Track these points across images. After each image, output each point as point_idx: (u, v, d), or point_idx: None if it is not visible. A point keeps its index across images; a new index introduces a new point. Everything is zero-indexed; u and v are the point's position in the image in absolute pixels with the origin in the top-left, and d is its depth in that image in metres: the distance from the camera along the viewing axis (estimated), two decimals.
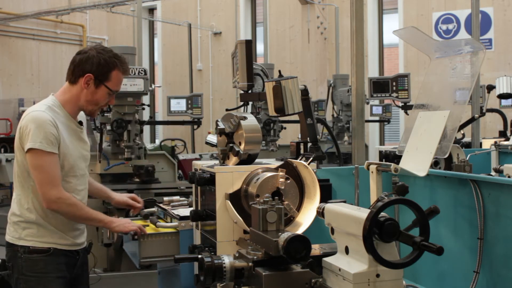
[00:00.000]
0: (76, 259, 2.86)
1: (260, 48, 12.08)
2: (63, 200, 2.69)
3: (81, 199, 2.86)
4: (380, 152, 4.53)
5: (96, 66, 2.77)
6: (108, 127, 5.45)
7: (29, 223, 2.75)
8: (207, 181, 2.50)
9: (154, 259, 3.06)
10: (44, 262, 2.74)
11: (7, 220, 2.83)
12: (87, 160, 2.95)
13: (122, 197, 3.17)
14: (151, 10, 15.07)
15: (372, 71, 11.68)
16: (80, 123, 2.91)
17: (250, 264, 1.87)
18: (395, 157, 3.56)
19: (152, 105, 12.07)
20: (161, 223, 3.21)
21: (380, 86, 6.17)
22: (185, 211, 3.18)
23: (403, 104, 6.01)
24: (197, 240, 2.79)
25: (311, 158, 2.46)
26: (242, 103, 3.18)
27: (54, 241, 2.76)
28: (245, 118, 2.51)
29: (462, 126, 3.70)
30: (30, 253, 2.73)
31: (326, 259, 1.88)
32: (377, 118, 9.28)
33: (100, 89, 2.81)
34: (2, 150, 9.54)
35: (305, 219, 2.31)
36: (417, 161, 2.30)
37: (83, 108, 2.86)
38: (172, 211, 3.29)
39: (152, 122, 9.21)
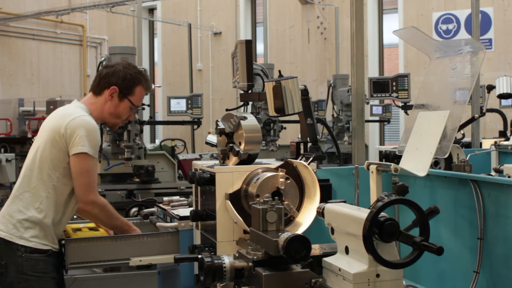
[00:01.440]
0: (61, 259, 2.90)
1: (260, 48, 12.07)
2: (97, 205, 2.87)
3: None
4: (380, 152, 4.53)
5: (122, 80, 2.90)
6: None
7: (33, 223, 2.76)
8: (207, 181, 2.50)
9: (83, 265, 3.05)
10: (44, 262, 2.77)
11: (3, 216, 2.80)
12: None
13: None
14: (151, 10, 15.06)
15: (372, 71, 11.68)
16: None
17: (250, 264, 1.87)
18: (395, 157, 3.56)
19: (152, 105, 12.08)
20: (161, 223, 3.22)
21: (380, 86, 6.17)
22: (185, 211, 3.18)
23: (403, 104, 6.01)
24: (197, 240, 2.79)
25: (311, 158, 2.46)
26: (242, 103, 3.18)
27: (51, 243, 2.81)
28: (245, 118, 2.51)
29: (462, 126, 3.70)
30: (32, 252, 2.74)
31: (326, 259, 1.88)
32: (377, 118, 9.28)
33: (123, 103, 2.93)
34: (2, 150, 9.53)
35: (305, 219, 2.31)
36: (417, 161, 2.30)
37: (106, 121, 2.97)
38: (172, 211, 3.29)
39: (152, 122, 9.19)
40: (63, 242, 2.97)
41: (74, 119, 2.79)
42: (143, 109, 5.78)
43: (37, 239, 2.76)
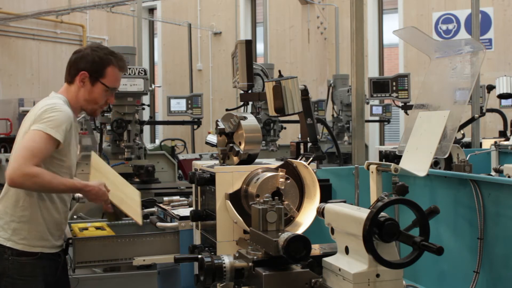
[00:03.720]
0: (58, 262, 2.78)
1: (260, 48, 12.08)
2: (32, 178, 2.49)
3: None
4: (380, 152, 4.53)
5: (91, 64, 2.75)
6: (108, 127, 5.45)
7: (21, 223, 2.63)
8: (207, 181, 2.50)
9: (90, 264, 3.05)
10: (31, 266, 2.65)
11: None
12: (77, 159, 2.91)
13: None
14: (151, 10, 15.07)
15: (372, 71, 11.68)
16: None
17: (250, 264, 1.87)
18: (395, 157, 3.56)
19: (152, 105, 12.07)
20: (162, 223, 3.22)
21: (380, 86, 6.17)
22: (185, 211, 3.18)
23: (403, 104, 6.01)
24: (197, 240, 2.79)
25: (311, 158, 2.46)
26: (242, 103, 3.18)
27: (42, 244, 2.68)
28: (245, 118, 2.51)
29: (462, 126, 3.70)
30: (19, 255, 2.62)
31: (326, 259, 1.88)
32: (377, 118, 9.29)
33: (96, 87, 2.77)
34: (2, 150, 9.52)
35: (305, 219, 2.31)
36: (417, 161, 2.30)
37: (84, 108, 2.82)
38: (172, 211, 3.30)
39: (152, 122, 9.21)
40: (70, 241, 2.93)
41: (46, 105, 2.66)
42: (143, 109, 5.78)
43: (26, 241, 2.63)
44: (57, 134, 2.56)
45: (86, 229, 3.31)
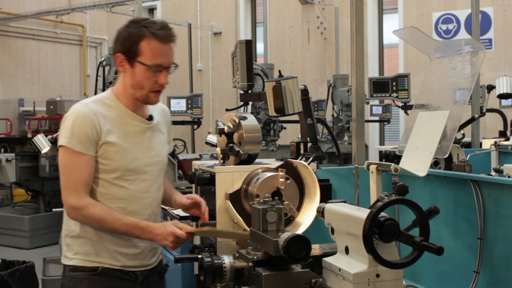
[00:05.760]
0: (135, 283, 2.40)
1: (260, 48, 12.08)
2: (79, 211, 2.26)
3: (141, 208, 2.39)
4: (380, 152, 4.53)
5: (122, 43, 2.33)
6: None
7: (73, 238, 2.36)
8: (207, 181, 2.51)
9: None
10: (89, 281, 2.31)
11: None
12: (154, 163, 2.50)
13: (182, 199, 2.59)
14: (151, 10, 15.06)
15: (372, 71, 11.67)
16: (150, 117, 2.46)
17: (250, 264, 1.87)
18: (395, 157, 3.56)
19: None
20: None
21: (380, 86, 6.18)
22: None
23: (403, 104, 6.02)
24: (197, 240, 2.79)
25: (311, 158, 2.47)
26: (242, 103, 3.18)
27: (103, 260, 2.34)
28: (245, 118, 2.51)
29: (462, 126, 3.71)
30: (74, 271, 2.34)
31: (326, 259, 1.88)
32: (377, 118, 9.29)
33: (136, 68, 2.31)
34: (2, 150, 9.52)
35: (305, 219, 2.31)
36: (417, 161, 2.30)
37: (136, 97, 2.37)
38: (172, 211, 3.29)
39: None
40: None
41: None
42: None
43: (79, 256, 2.34)
44: (75, 146, 2.26)
45: None
